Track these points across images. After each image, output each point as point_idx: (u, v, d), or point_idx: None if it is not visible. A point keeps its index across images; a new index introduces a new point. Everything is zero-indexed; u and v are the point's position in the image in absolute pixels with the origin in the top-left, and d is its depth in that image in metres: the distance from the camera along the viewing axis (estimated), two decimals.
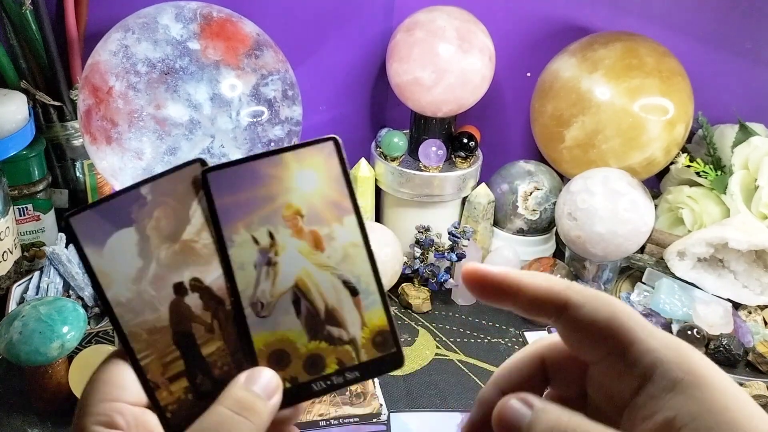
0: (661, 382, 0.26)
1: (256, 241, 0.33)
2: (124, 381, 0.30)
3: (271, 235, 0.33)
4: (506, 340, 0.78)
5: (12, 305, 0.68)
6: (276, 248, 0.33)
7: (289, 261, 0.33)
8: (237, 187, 0.32)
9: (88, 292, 0.72)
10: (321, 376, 0.32)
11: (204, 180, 0.32)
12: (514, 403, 0.27)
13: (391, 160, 0.86)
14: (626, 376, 0.27)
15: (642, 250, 0.84)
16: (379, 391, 0.68)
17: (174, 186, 0.32)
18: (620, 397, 0.27)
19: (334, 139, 0.33)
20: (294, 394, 0.32)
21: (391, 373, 0.72)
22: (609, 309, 0.28)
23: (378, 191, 0.89)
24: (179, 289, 0.32)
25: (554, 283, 0.29)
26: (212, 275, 0.32)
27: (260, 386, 0.30)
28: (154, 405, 0.31)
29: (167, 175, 0.32)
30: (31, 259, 0.79)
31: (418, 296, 0.82)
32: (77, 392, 0.60)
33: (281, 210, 0.33)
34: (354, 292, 0.33)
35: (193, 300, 0.32)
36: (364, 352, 0.32)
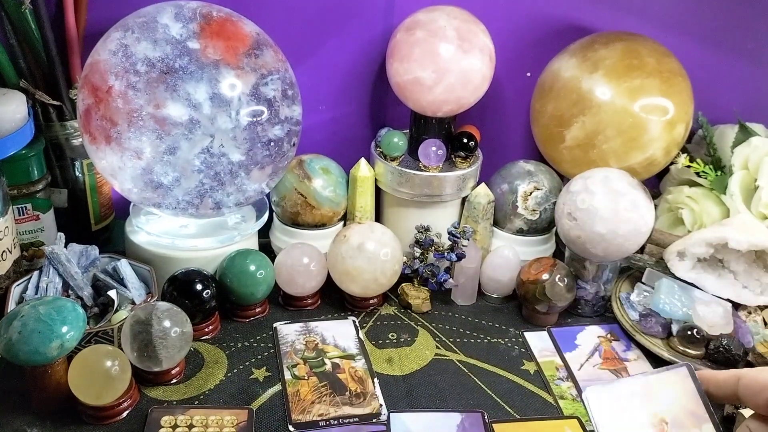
0: None
1: None
2: None
3: None
4: (506, 340, 0.78)
5: (11, 305, 0.68)
6: None
7: None
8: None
9: (87, 292, 0.72)
10: None
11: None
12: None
13: (391, 160, 0.86)
14: None
15: (642, 250, 0.83)
16: (378, 391, 0.68)
17: None
18: None
19: (687, 366, 0.45)
20: None
21: (391, 374, 0.72)
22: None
23: (378, 191, 0.89)
24: None
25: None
26: None
27: None
28: None
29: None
30: (30, 258, 0.79)
31: (417, 296, 0.82)
32: (76, 392, 0.60)
33: (650, 418, 0.43)
34: None
35: None
36: None
